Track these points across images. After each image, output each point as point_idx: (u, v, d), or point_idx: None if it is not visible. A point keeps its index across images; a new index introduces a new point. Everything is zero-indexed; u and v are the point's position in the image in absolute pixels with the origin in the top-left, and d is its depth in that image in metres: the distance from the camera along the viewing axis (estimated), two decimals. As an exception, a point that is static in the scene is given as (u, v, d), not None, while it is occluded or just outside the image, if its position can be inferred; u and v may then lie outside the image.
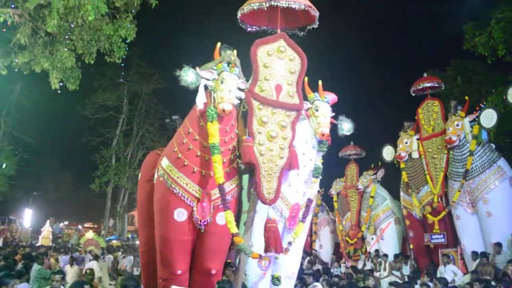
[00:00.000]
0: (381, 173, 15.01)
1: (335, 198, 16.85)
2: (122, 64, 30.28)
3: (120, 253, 19.69)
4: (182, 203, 6.74)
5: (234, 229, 6.53)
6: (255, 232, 7.12)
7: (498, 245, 10.47)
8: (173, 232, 6.78)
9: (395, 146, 13.72)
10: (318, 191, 18.20)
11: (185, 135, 6.93)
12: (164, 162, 7.02)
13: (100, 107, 31.64)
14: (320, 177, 7.76)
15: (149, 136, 33.16)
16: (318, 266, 14.05)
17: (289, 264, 7.60)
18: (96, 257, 14.33)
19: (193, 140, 6.84)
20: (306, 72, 7.55)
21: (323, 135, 7.47)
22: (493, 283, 8.44)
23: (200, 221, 6.76)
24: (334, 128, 8.07)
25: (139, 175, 8.40)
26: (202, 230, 6.86)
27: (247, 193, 7.53)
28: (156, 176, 7.26)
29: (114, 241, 29.79)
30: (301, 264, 14.21)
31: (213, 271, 6.95)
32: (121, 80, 32.28)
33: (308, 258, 15.18)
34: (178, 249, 6.80)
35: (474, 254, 10.74)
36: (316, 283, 8.19)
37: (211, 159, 6.65)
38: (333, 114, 7.81)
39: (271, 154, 7.06)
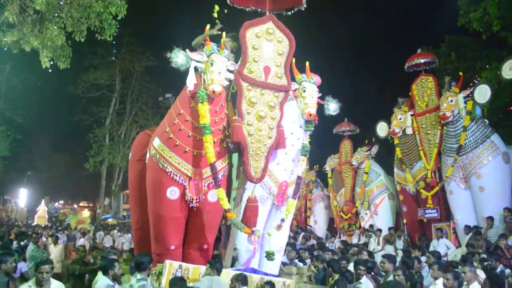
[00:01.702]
0: (375, 149, 15.08)
1: (329, 175, 16.97)
2: (114, 42, 30.10)
3: (116, 231, 19.84)
4: (174, 181, 6.99)
5: (226, 205, 6.84)
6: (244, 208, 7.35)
7: (490, 219, 10.62)
8: (166, 210, 7.05)
9: (389, 122, 13.76)
10: (313, 168, 18.35)
11: (176, 116, 7.12)
12: (156, 142, 7.22)
13: (92, 86, 31.41)
14: (308, 155, 8.05)
15: (142, 114, 33.01)
16: (312, 241, 14.21)
17: (278, 239, 7.85)
18: (84, 234, 14.53)
19: (184, 121, 7.05)
20: (294, 53, 7.73)
21: (310, 115, 7.72)
22: (484, 256, 8.58)
23: (192, 198, 7.02)
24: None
25: (130, 155, 8.62)
26: (195, 208, 7.12)
27: (237, 171, 7.79)
28: (148, 155, 7.47)
29: (110, 220, 29.96)
30: (296, 239, 14.48)
31: (205, 246, 7.31)
32: (113, 58, 31.97)
33: (303, 233, 15.36)
34: (171, 226, 7.09)
35: (467, 228, 10.88)
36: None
37: (202, 139, 6.88)
38: (320, 94, 8.05)
39: (260, 134, 7.36)
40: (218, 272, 6.05)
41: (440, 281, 6.20)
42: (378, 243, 12.71)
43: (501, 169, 11.21)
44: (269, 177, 7.62)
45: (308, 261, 9.55)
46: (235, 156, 7.84)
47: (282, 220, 7.58)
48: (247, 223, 7.05)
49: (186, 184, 7.04)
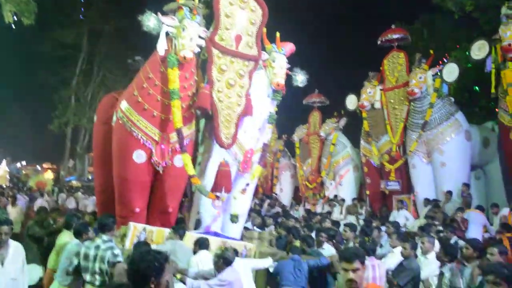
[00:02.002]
0: (343, 121, 15.28)
1: (297, 144, 17.15)
2: (82, 0, 28.93)
3: (80, 193, 19.58)
4: (141, 145, 7.01)
5: (191, 171, 6.90)
6: (209, 174, 7.47)
7: (449, 193, 11.03)
8: (132, 173, 7.06)
9: (358, 96, 13.91)
10: (281, 137, 18.48)
11: (146, 80, 7.07)
12: (124, 105, 7.17)
13: (59, 44, 30.20)
14: (274, 124, 8.22)
15: (110, 76, 32.11)
16: (277, 209, 14.45)
17: (241, 204, 7.99)
18: (42, 195, 14.31)
19: (153, 85, 7.01)
20: (266, 23, 7.73)
21: (278, 85, 7.77)
22: (440, 228, 8.95)
23: (159, 163, 7.06)
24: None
25: (95, 117, 8.54)
26: (160, 172, 7.16)
27: (202, 137, 7.91)
28: (115, 118, 7.41)
29: (74, 182, 29.51)
30: (261, 206, 14.68)
31: (170, 210, 7.39)
32: (81, 17, 30.79)
33: (268, 201, 15.58)
34: (137, 189, 7.11)
35: (426, 201, 11.28)
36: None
37: (171, 104, 6.86)
38: (289, 66, 8.10)
39: (229, 101, 7.41)
40: (181, 237, 6.13)
41: (397, 250, 6.44)
42: (341, 213, 13.06)
43: (462, 146, 11.58)
44: (235, 144, 7.71)
45: (272, 227, 9.76)
46: (201, 122, 7.92)
47: (247, 184, 7.71)
48: (219, 188, 7.13)
49: (153, 148, 7.06)
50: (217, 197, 7.15)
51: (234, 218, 7.42)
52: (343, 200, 13.71)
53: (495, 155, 11.76)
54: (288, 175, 18.32)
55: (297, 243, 7.43)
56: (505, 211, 9.77)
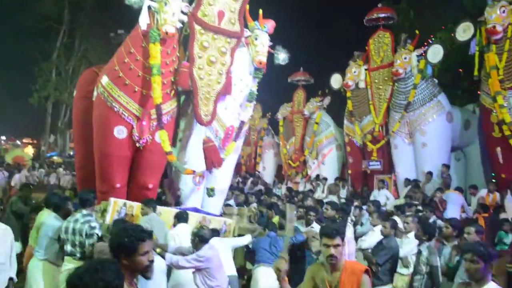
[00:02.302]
0: (327, 100, 15.28)
1: (281, 123, 17.13)
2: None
3: (61, 169, 19.37)
4: (122, 120, 7.01)
5: (167, 148, 6.97)
6: (190, 150, 7.61)
7: (430, 174, 11.18)
8: (112, 149, 7.07)
9: (343, 75, 13.89)
10: (265, 115, 18.45)
11: (127, 54, 7.02)
12: (104, 79, 7.12)
13: (40, 16, 29.34)
14: (254, 102, 8.28)
15: (92, 51, 31.43)
16: (260, 187, 14.51)
17: (221, 180, 8.15)
18: (19, 170, 14.15)
19: (135, 60, 6.97)
20: (250, 0, 7.69)
21: (260, 63, 7.80)
22: (420, 207, 9.09)
23: (140, 138, 7.09)
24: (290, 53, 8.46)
25: (74, 92, 8.53)
26: (141, 147, 7.18)
27: (184, 113, 7.99)
28: (95, 93, 7.37)
29: (55, 158, 29.16)
30: (245, 184, 14.74)
31: (150, 185, 7.43)
32: (63, -12, 29.94)
33: (251, 178, 15.64)
34: (117, 165, 7.14)
35: (407, 181, 11.43)
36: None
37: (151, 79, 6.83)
38: (271, 43, 8.11)
39: (210, 79, 7.43)
40: (154, 210, 6.13)
41: (378, 228, 6.54)
42: (323, 192, 13.18)
43: (444, 127, 11.70)
44: (216, 121, 7.78)
45: (254, 205, 9.80)
46: (183, 99, 7.98)
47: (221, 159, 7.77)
48: (211, 163, 7.26)
49: (134, 123, 7.06)
50: (193, 172, 7.30)
51: (210, 192, 7.57)
52: (325, 179, 13.82)
53: (475, 137, 11.92)
54: (272, 154, 18.36)
55: (276, 219, 7.53)
56: (482, 192, 9.97)
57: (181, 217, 6.09)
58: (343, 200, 11.26)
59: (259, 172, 17.73)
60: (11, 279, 4.65)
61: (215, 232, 6.01)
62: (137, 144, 7.14)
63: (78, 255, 4.88)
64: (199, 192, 7.88)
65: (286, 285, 3.21)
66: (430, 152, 11.56)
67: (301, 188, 14.60)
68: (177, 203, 7.86)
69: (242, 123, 8.14)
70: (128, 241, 2.43)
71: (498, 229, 7.43)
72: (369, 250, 6.23)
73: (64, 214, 5.41)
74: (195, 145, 7.54)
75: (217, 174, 7.89)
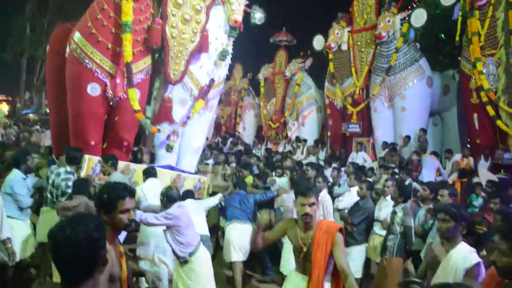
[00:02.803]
0: (309, 62, 15.19)
1: (262, 83, 17.05)
2: None
3: (38, 127, 19.03)
4: (95, 78, 6.97)
5: (136, 106, 7.01)
6: None
7: (408, 138, 11.33)
8: (86, 106, 7.04)
9: (326, 36, 13.75)
10: (246, 76, 18.29)
11: (100, 11, 6.91)
12: (77, 36, 7.02)
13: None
14: (225, 60, 8.21)
15: (68, 5, 30.20)
16: (240, 147, 14.55)
17: (195, 139, 8.27)
18: None
19: (108, 17, 6.88)
20: None
21: (236, 21, 7.77)
22: (396, 170, 9.28)
23: (113, 96, 7.07)
24: (272, 13, 8.42)
25: (47, 47, 8.42)
26: (115, 105, 7.17)
27: (157, 71, 7.92)
28: (68, 50, 7.27)
29: (31, 115, 28.55)
30: (224, 144, 14.75)
31: (125, 143, 7.51)
32: None
33: (231, 139, 15.65)
34: (91, 122, 7.13)
35: (384, 144, 11.59)
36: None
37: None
38: (247, 2, 8.10)
39: (183, 37, 7.37)
40: (115, 166, 6.13)
41: (354, 189, 6.66)
42: (303, 153, 13.30)
43: (424, 92, 11.79)
44: (190, 80, 7.79)
45: (234, 165, 9.86)
46: (157, 56, 7.89)
47: (188, 117, 7.86)
48: (160, 121, 7.39)
49: (107, 81, 7.02)
50: (159, 131, 7.45)
51: (168, 148, 7.67)
52: (305, 140, 13.92)
53: (453, 103, 12.08)
54: (252, 114, 18.33)
55: (250, 178, 7.64)
56: (457, 157, 10.20)
57: (148, 173, 6.22)
58: (321, 162, 11.41)
59: (239, 132, 17.75)
60: (8, 238, 4.61)
61: (190, 193, 6.13)
62: (111, 102, 7.12)
63: (56, 206, 5.06)
64: (174, 150, 7.95)
65: (258, 236, 3.38)
66: (409, 116, 11.67)
67: (280, 149, 14.70)
68: (152, 161, 7.90)
69: (212, 81, 8.10)
70: (107, 198, 2.43)
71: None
72: (346, 211, 6.36)
73: (25, 169, 5.46)
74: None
75: (191, 132, 8.00)
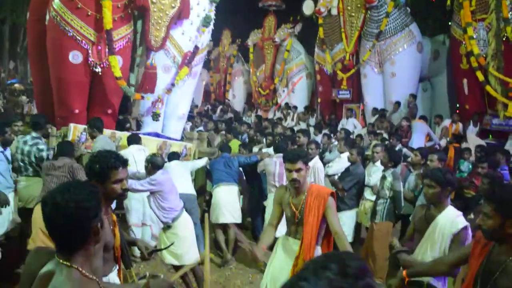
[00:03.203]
0: (298, 27, 14.96)
1: (251, 50, 16.80)
2: None
3: (24, 97, 18.72)
4: (76, 45, 6.90)
5: (117, 73, 6.99)
6: None
7: (397, 104, 11.36)
8: (69, 74, 6.99)
9: (316, 1, 13.51)
10: (235, 42, 18.04)
11: None
12: (56, 2, 6.88)
13: None
14: (209, 27, 8.12)
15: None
16: (230, 115, 14.51)
17: (180, 106, 8.27)
18: None
19: None
20: None
21: None
22: (386, 136, 9.33)
23: (96, 63, 7.01)
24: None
25: (27, 14, 8.23)
26: (99, 72, 7.10)
27: (140, 38, 7.87)
28: (48, 17, 7.14)
29: (16, 85, 28.00)
30: (214, 112, 14.69)
31: (109, 111, 7.46)
32: None
33: (221, 106, 15.58)
34: (75, 90, 7.10)
35: (374, 110, 11.61)
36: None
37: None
38: None
39: (163, 3, 7.25)
40: (100, 130, 6.16)
41: (345, 155, 6.70)
42: (293, 120, 13.29)
43: (414, 57, 11.74)
44: (173, 46, 7.74)
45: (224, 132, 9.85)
46: (139, 23, 7.80)
47: (172, 85, 7.84)
48: (144, 89, 7.34)
49: (89, 48, 6.94)
50: (142, 98, 7.46)
51: (154, 116, 7.68)
52: (295, 107, 13.89)
53: (443, 68, 12.05)
54: (241, 81, 18.17)
55: (236, 142, 7.90)
56: (446, 122, 10.28)
57: (132, 140, 6.30)
58: (312, 128, 11.43)
59: (228, 100, 17.65)
60: None
61: (176, 155, 6.30)
62: (94, 69, 7.07)
63: (30, 173, 5.45)
64: (160, 117, 7.99)
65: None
66: (399, 82, 11.66)
67: (270, 116, 14.68)
68: (139, 129, 7.92)
69: (196, 48, 8.03)
70: (99, 168, 2.41)
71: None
72: (336, 177, 6.42)
73: (3, 141, 5.39)
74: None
75: (176, 100, 8.01)
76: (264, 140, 8.32)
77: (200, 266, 4.90)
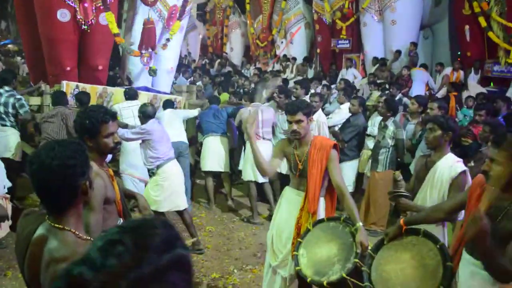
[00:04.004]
0: (296, -26, 14.54)
1: (247, 0, 16.36)
2: None
3: (20, 58, 18.38)
4: (64, 3, 6.94)
5: (115, 30, 7.13)
6: (136, 31, 7.78)
7: (398, 52, 11.15)
8: (57, 32, 7.07)
9: None
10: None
11: None
12: None
13: None
14: None
15: None
16: (228, 68, 14.34)
17: (168, 60, 8.36)
18: None
19: None
20: None
21: None
22: (387, 86, 9.26)
23: (84, 21, 7.09)
24: None
25: None
26: (87, 30, 7.18)
27: None
28: None
29: (10, 46, 27.48)
30: (212, 66, 14.51)
31: (100, 67, 7.62)
32: None
33: (218, 60, 15.37)
34: (65, 48, 7.19)
35: (375, 60, 11.45)
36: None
37: None
38: None
39: None
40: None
41: (345, 106, 6.67)
42: (291, 71, 13.15)
43: (414, 4, 11.41)
44: (159, 1, 7.76)
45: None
46: None
47: (167, 39, 7.96)
48: (146, 45, 7.49)
49: (76, 6, 7.00)
50: (141, 54, 7.56)
51: (151, 72, 7.80)
52: (294, 58, 13.69)
53: (445, 15, 11.74)
54: (239, 33, 17.79)
55: (224, 95, 8.12)
56: (447, 70, 10.13)
57: (126, 94, 6.48)
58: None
59: (226, 53, 17.35)
60: None
61: (170, 103, 6.56)
62: (83, 27, 7.12)
63: (8, 123, 5.74)
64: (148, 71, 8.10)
65: (264, 164, 3.35)
66: (399, 30, 11.40)
67: (269, 68, 14.50)
68: (130, 84, 7.99)
69: (186, 1, 8.04)
70: (89, 123, 2.40)
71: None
72: (336, 128, 6.42)
73: None
74: (140, 25, 7.65)
75: (164, 54, 8.10)
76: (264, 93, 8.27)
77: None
